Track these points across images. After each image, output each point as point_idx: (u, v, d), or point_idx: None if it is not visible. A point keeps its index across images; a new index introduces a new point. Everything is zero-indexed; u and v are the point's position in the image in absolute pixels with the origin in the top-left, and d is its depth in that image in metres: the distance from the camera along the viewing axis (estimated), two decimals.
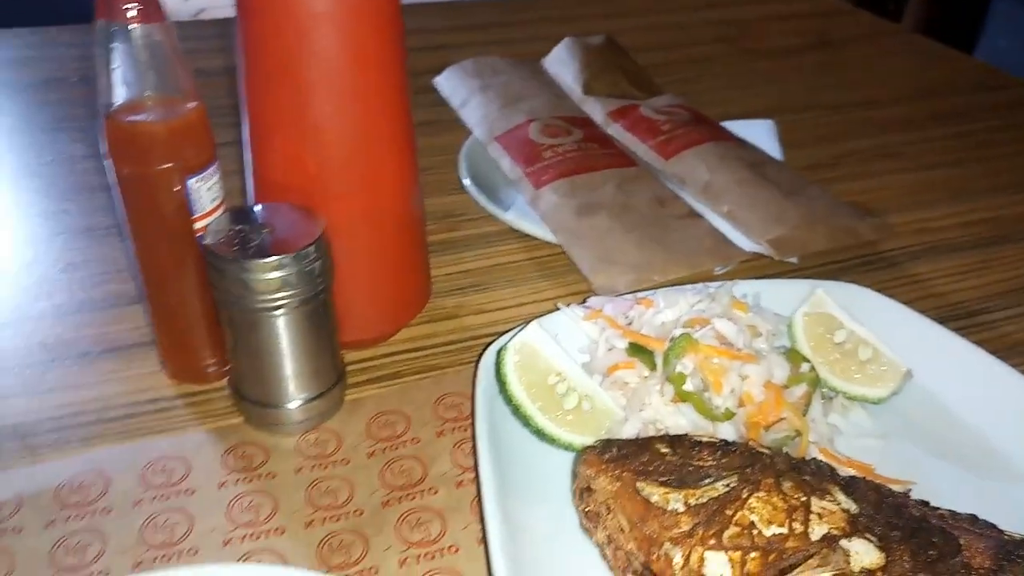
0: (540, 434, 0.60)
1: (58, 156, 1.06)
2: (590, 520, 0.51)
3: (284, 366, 0.63)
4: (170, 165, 0.60)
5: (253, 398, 0.65)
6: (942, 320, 0.72)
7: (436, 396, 0.69)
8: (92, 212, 0.94)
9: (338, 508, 0.60)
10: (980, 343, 0.69)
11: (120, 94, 0.59)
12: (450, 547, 0.57)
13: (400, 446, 0.65)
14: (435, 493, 0.61)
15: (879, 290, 0.75)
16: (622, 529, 0.47)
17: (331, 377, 0.66)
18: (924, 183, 1.06)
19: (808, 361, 0.65)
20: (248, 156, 0.69)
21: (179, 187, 0.61)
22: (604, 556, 0.51)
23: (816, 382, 0.63)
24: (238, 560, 0.55)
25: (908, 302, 0.74)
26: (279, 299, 0.59)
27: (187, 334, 0.68)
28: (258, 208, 0.65)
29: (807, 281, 0.73)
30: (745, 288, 0.71)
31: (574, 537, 0.54)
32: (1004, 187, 1.05)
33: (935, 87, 1.37)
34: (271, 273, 0.58)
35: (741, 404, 0.61)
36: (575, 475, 0.53)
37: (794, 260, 0.83)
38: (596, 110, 1.05)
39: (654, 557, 0.45)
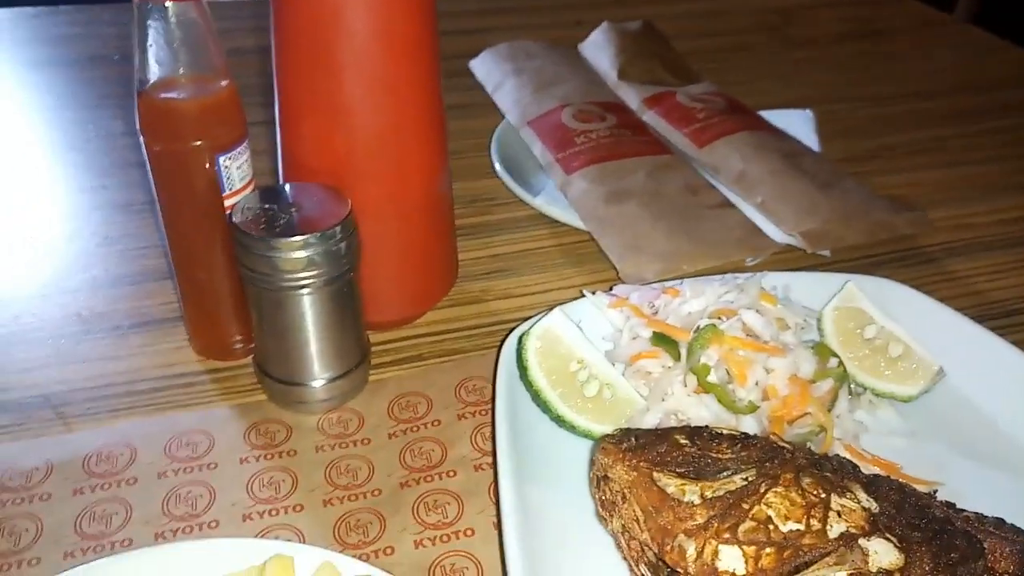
0: (560, 421, 0.59)
1: (99, 132, 1.08)
2: (605, 509, 0.51)
3: (308, 345, 0.63)
4: (201, 143, 0.61)
5: (277, 376, 0.65)
6: (979, 319, 0.70)
7: (459, 380, 0.69)
8: (130, 188, 0.95)
9: (357, 487, 0.60)
10: (1018, 343, 0.67)
11: (154, 72, 0.60)
12: (466, 530, 0.57)
13: (421, 428, 0.65)
14: (453, 476, 0.61)
15: (914, 286, 0.73)
16: (637, 519, 0.47)
17: (355, 357, 0.66)
18: (965, 178, 1.03)
19: (836, 356, 0.64)
20: (279, 136, 0.69)
21: (209, 165, 0.62)
22: (618, 545, 0.50)
23: (844, 377, 0.62)
24: (256, 535, 0.56)
25: (944, 299, 0.72)
26: (305, 278, 0.60)
27: (214, 311, 0.69)
28: (287, 188, 0.65)
29: (838, 275, 0.72)
30: (775, 280, 0.70)
31: (589, 526, 0.54)
32: None
33: (983, 80, 1.33)
34: (297, 252, 0.59)
35: (765, 397, 0.61)
36: (592, 463, 0.53)
37: (826, 253, 0.81)
38: (631, 96, 1.03)
39: (668, 548, 0.45)
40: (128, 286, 0.80)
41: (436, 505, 0.59)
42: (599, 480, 0.51)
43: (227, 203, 0.64)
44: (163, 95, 0.60)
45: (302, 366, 0.64)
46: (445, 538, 0.56)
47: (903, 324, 0.67)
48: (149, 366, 0.71)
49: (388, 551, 0.56)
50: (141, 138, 0.62)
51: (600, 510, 0.52)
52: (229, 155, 0.62)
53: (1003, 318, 0.79)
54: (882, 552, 0.42)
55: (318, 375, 0.65)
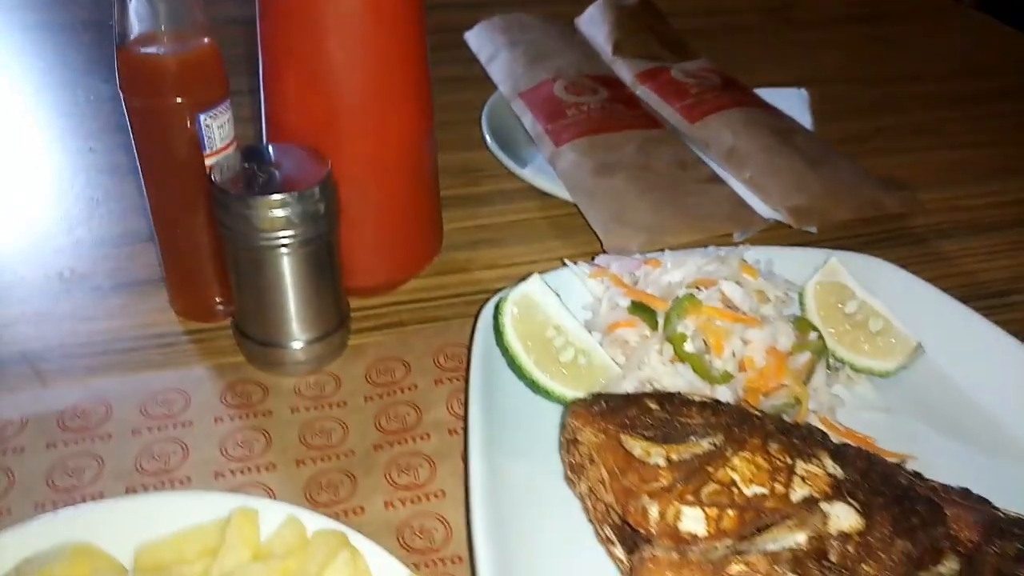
0: (534, 386, 0.59)
1: (88, 96, 1.08)
2: (574, 472, 0.51)
3: (286, 306, 0.63)
4: (181, 100, 0.60)
5: (255, 337, 0.65)
6: (966, 299, 0.69)
7: (438, 346, 0.69)
8: (117, 151, 0.95)
9: (330, 448, 0.60)
10: (1003, 323, 0.67)
11: (134, 27, 0.60)
12: (437, 492, 0.57)
13: (397, 392, 0.65)
14: (427, 439, 0.61)
15: (903, 266, 0.73)
16: (603, 481, 0.47)
17: (333, 321, 0.66)
18: (961, 161, 1.03)
19: (816, 330, 0.64)
20: (262, 98, 0.69)
21: (190, 123, 0.62)
22: (585, 508, 0.50)
23: (822, 351, 0.62)
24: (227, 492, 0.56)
25: (932, 279, 0.71)
26: (283, 238, 0.59)
27: (194, 271, 0.69)
28: (268, 148, 0.65)
29: (823, 250, 0.71)
30: (758, 254, 0.70)
31: (558, 489, 0.54)
32: None
33: (985, 65, 1.32)
34: (275, 211, 0.58)
35: (742, 369, 0.60)
36: (563, 427, 0.53)
37: (813, 230, 0.80)
38: (625, 71, 1.03)
39: (631, 509, 0.44)
40: (111, 248, 0.80)
41: (408, 467, 0.59)
42: (568, 443, 0.51)
43: (208, 162, 0.63)
44: (143, 50, 0.60)
45: (280, 327, 0.64)
46: (415, 499, 0.56)
47: (886, 301, 0.67)
48: (129, 326, 0.71)
49: (358, 510, 0.56)
50: (121, 94, 0.61)
51: (569, 473, 0.51)
52: (210, 114, 0.62)
53: (989, 299, 0.78)
54: (843, 516, 0.42)
55: (296, 337, 0.65)
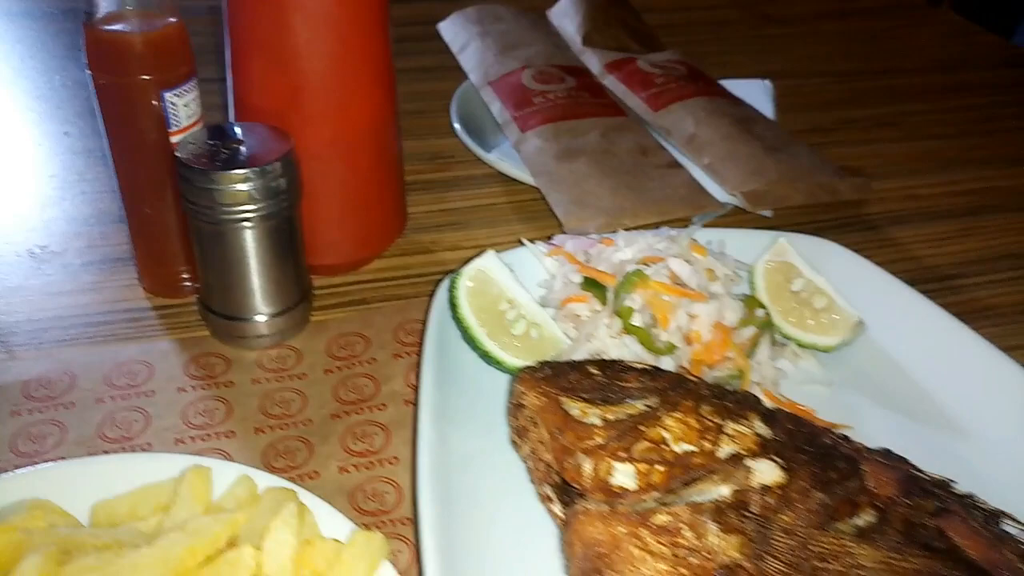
0: (486, 357, 0.61)
1: (65, 82, 1.09)
2: (518, 435, 0.53)
3: (249, 279, 0.65)
4: (147, 77, 0.62)
5: (219, 311, 0.67)
6: (913, 282, 0.72)
7: (398, 322, 0.71)
8: (92, 135, 0.96)
9: (288, 418, 0.62)
10: (946, 305, 0.69)
11: (102, 6, 0.61)
12: (391, 458, 0.59)
13: (356, 365, 0.67)
14: (384, 409, 0.63)
15: (856, 250, 0.75)
16: (543, 441, 0.49)
17: (295, 295, 0.68)
18: (920, 152, 1.05)
19: (763, 307, 0.66)
20: (228, 80, 0.71)
21: (156, 101, 0.63)
22: (528, 469, 0.52)
23: (766, 326, 0.64)
24: None
25: (883, 263, 0.74)
26: (245, 212, 0.61)
27: (162, 248, 0.71)
28: (233, 127, 0.67)
29: (773, 232, 0.73)
30: (710, 235, 0.72)
31: (504, 454, 0.55)
32: (997, 160, 1.04)
33: (952, 62, 1.35)
34: (237, 185, 0.60)
35: (689, 342, 0.62)
36: (510, 393, 0.54)
37: (768, 213, 0.83)
38: (593, 62, 1.05)
39: (567, 466, 0.46)
40: (83, 227, 0.82)
41: (364, 435, 0.61)
42: (514, 408, 0.53)
43: (174, 140, 0.65)
44: (109, 28, 0.61)
45: (243, 301, 0.66)
46: (369, 465, 0.58)
47: (834, 282, 0.69)
48: (97, 301, 0.72)
49: (313, 475, 0.57)
50: (88, 72, 0.63)
51: (514, 436, 0.53)
52: (175, 92, 0.64)
53: (937, 282, 0.81)
54: (766, 471, 0.44)
55: (259, 310, 0.66)
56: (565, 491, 0.47)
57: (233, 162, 0.61)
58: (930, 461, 0.50)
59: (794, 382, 0.65)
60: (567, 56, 1.04)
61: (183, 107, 0.65)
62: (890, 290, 0.70)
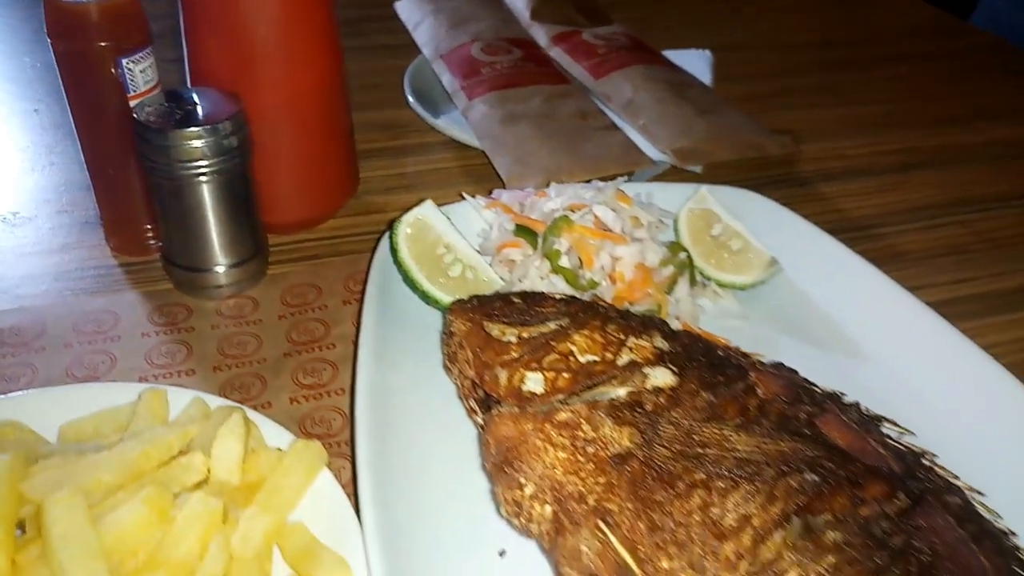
0: (425, 297, 0.66)
1: (35, 64, 1.13)
2: (450, 360, 0.58)
3: (206, 231, 0.70)
4: (104, 44, 0.67)
5: (181, 263, 0.72)
6: (835, 231, 0.77)
7: (349, 273, 0.76)
8: (60, 112, 1.01)
9: (245, 357, 0.67)
10: (863, 251, 0.75)
11: None
12: (338, 390, 0.64)
13: (308, 311, 0.72)
14: (333, 348, 0.68)
15: (784, 204, 0.80)
16: (468, 361, 0.54)
17: (251, 248, 0.73)
18: (853, 117, 1.11)
19: (686, 251, 0.71)
20: (184, 49, 0.75)
21: (114, 67, 0.68)
22: (457, 388, 0.58)
23: (684, 266, 0.70)
24: None
25: (809, 215, 0.79)
26: (199, 167, 0.66)
27: (126, 207, 0.75)
28: (188, 91, 0.71)
29: (695, 185, 0.79)
30: (639, 188, 0.77)
31: (438, 379, 0.61)
32: (923, 123, 1.10)
33: (890, 34, 1.41)
34: (191, 142, 0.65)
35: (613, 281, 0.68)
36: (443, 323, 0.60)
37: (698, 169, 0.88)
38: (541, 35, 1.10)
39: (487, 378, 0.52)
40: (52, 194, 0.86)
41: (314, 371, 0.66)
42: (446, 336, 0.58)
43: (133, 104, 0.70)
44: None
45: (202, 253, 0.71)
46: (318, 396, 0.64)
47: (754, 229, 0.75)
48: (67, 261, 0.77)
49: (266, 405, 0.63)
50: (49, 40, 0.67)
51: (446, 361, 0.59)
52: (132, 58, 0.68)
53: (857, 231, 0.87)
54: (659, 376, 0.50)
55: (217, 261, 0.71)
56: (485, 402, 0.53)
57: (187, 122, 0.66)
58: (834, 384, 0.56)
59: (713, 317, 0.70)
60: (515, 30, 1.09)
61: (140, 73, 0.70)
62: (806, 235, 0.76)
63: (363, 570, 0.46)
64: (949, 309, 0.71)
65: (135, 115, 0.66)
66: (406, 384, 0.60)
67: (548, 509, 0.45)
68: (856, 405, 0.54)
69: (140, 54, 0.69)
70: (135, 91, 0.70)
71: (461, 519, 0.52)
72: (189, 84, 0.77)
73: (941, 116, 1.12)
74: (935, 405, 0.61)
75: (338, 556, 0.46)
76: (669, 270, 0.69)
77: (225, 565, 0.44)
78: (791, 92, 1.18)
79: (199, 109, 0.68)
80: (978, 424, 0.59)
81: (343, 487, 0.51)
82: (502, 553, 0.50)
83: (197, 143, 0.65)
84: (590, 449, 0.46)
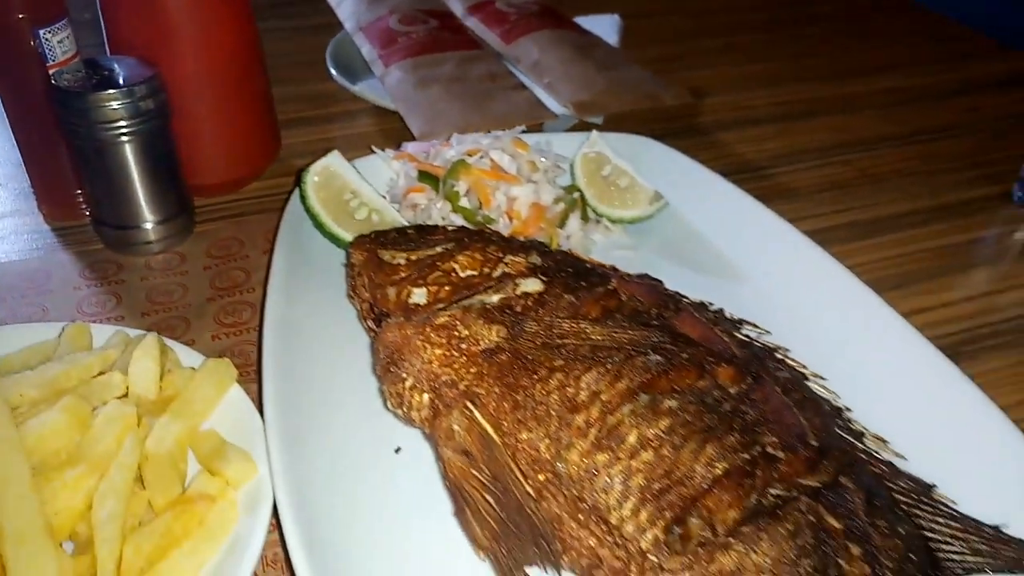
0: (332, 238, 0.72)
1: None
2: (352, 289, 0.63)
3: (131, 189, 0.74)
4: (21, 16, 0.71)
5: (110, 222, 0.77)
6: (728, 173, 0.84)
7: (270, 227, 0.80)
8: None
9: (171, 304, 0.72)
10: (752, 190, 0.82)
11: None
12: (255, 327, 0.69)
13: (231, 261, 0.77)
14: (253, 292, 0.73)
15: (683, 150, 0.87)
16: (364, 285, 0.60)
17: (175, 205, 0.78)
18: (754, 74, 1.18)
19: (578, 190, 0.78)
20: (102, 21, 0.80)
21: (32, 39, 0.72)
22: (357, 313, 0.63)
23: (574, 203, 0.76)
24: None
25: (706, 160, 0.86)
26: (118, 128, 0.71)
27: (54, 174, 0.80)
28: (105, 60, 0.76)
29: (589, 133, 0.85)
30: (538, 138, 0.83)
31: (344, 313, 0.66)
32: (823, 76, 1.17)
33: None
34: (109, 104, 0.70)
35: (510, 219, 0.74)
36: (346, 257, 0.65)
37: (598, 120, 0.95)
38: (457, 6, 1.15)
39: (379, 297, 0.58)
40: None
41: (235, 311, 0.71)
42: (348, 268, 0.64)
43: (51, 72, 0.74)
44: None
45: (129, 210, 0.76)
46: (237, 332, 0.69)
47: (645, 171, 0.81)
48: (1, 228, 0.81)
49: (190, 343, 0.68)
50: None
51: (348, 291, 0.64)
52: (49, 29, 0.73)
53: (748, 172, 0.94)
54: (529, 284, 0.56)
55: (144, 218, 0.76)
56: (378, 319, 0.58)
57: (105, 86, 0.71)
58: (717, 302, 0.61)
59: (604, 248, 0.77)
60: (432, 1, 1.15)
61: (57, 43, 0.74)
62: (693, 174, 0.83)
63: (265, 464, 0.51)
64: (825, 236, 0.78)
65: (54, 81, 0.71)
66: (312, 313, 0.65)
67: (426, 397, 0.51)
68: (720, 311, 0.61)
69: (57, 25, 0.73)
70: (54, 60, 0.74)
71: (359, 423, 0.58)
72: (108, 54, 0.82)
73: (840, 70, 1.20)
74: (803, 317, 0.67)
75: (243, 452, 0.52)
76: (560, 207, 0.75)
77: (140, 462, 0.50)
78: (698, 53, 1.25)
79: (116, 75, 0.72)
80: (837, 332, 0.65)
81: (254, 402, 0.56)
82: (397, 450, 0.56)
83: (115, 104, 0.70)
84: (463, 345, 0.52)
